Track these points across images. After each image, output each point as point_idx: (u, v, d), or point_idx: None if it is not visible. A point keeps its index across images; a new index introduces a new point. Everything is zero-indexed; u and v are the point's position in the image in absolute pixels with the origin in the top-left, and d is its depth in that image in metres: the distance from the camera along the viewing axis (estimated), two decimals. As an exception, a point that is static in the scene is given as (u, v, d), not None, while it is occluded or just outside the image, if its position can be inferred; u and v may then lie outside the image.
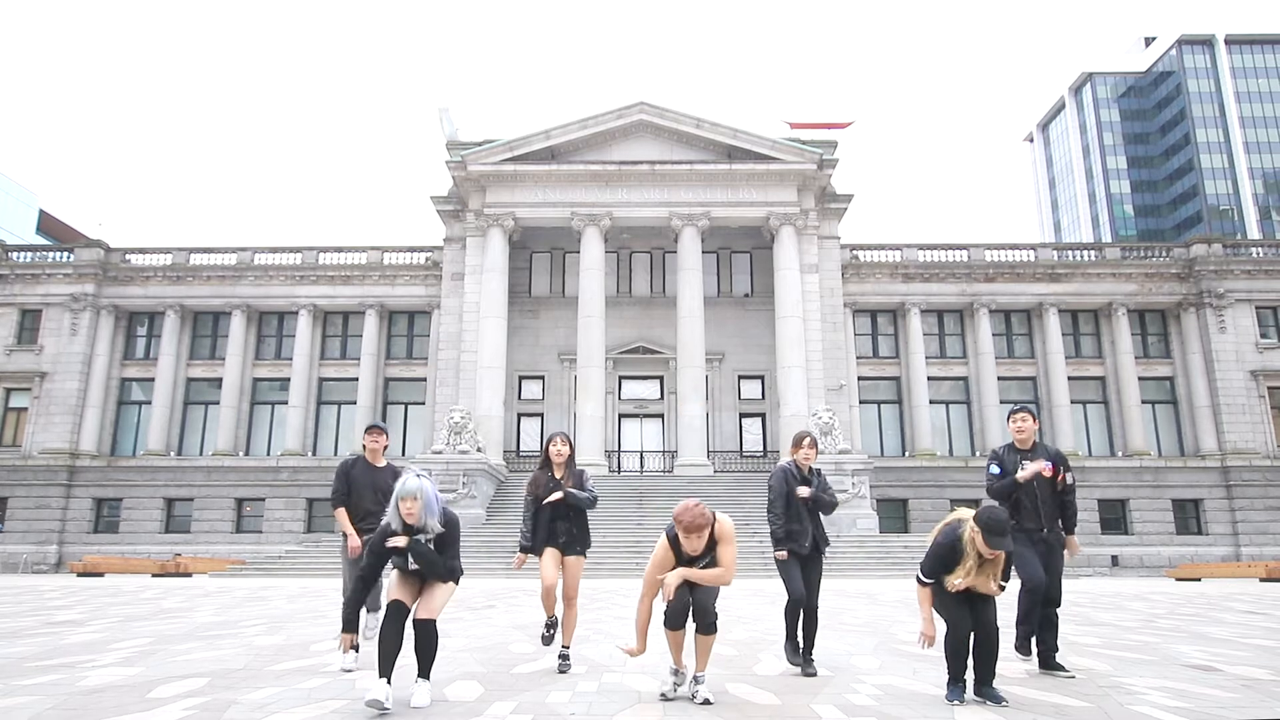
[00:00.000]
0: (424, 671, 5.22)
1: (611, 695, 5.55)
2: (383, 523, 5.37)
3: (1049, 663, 6.55)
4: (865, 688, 5.90)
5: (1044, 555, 6.66)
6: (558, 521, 6.72)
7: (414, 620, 5.19)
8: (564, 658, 6.65)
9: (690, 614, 5.35)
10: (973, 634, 5.36)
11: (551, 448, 6.84)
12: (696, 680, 5.37)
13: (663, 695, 5.41)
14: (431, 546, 5.31)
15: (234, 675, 6.37)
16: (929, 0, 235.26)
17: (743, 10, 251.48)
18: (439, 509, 5.29)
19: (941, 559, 5.40)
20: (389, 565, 6.86)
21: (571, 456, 6.94)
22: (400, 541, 5.24)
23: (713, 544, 5.46)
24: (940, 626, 5.44)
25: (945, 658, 5.43)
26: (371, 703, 4.89)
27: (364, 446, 7.53)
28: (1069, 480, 6.78)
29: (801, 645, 6.56)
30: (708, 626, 5.32)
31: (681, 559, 5.45)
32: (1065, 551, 6.83)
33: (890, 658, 7.48)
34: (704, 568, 5.44)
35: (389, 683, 5.02)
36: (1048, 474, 6.68)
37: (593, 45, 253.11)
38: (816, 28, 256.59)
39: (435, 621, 5.23)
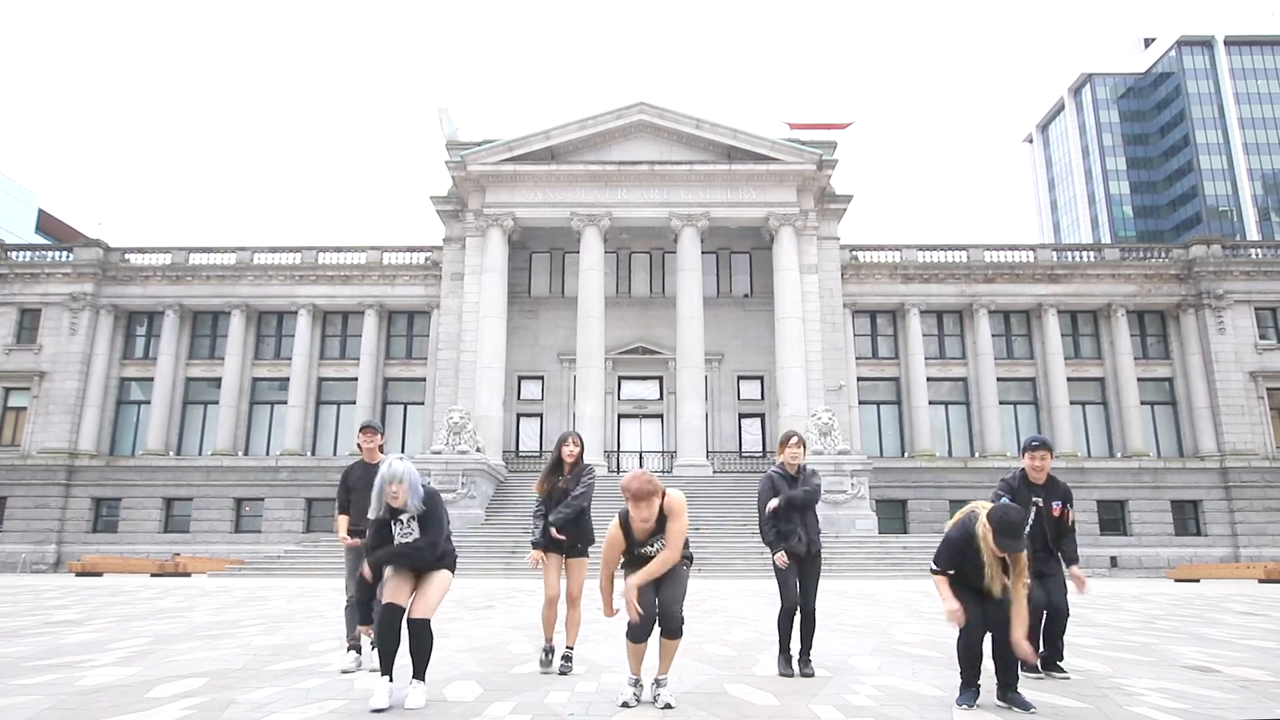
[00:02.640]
0: (419, 672, 5.23)
1: (610, 696, 5.55)
2: (370, 515, 5.39)
3: (1050, 665, 6.55)
4: (864, 688, 5.90)
5: (1044, 581, 6.62)
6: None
7: (408, 620, 5.19)
8: (566, 659, 6.64)
9: (655, 618, 5.19)
10: (989, 636, 5.24)
11: (564, 448, 6.75)
12: (658, 683, 5.26)
13: (624, 704, 5.22)
14: (415, 530, 5.30)
15: (233, 675, 6.37)
16: (929, 0, 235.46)
17: (743, 10, 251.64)
18: (421, 489, 5.34)
19: (955, 551, 5.28)
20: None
21: (581, 455, 6.86)
22: (366, 572, 5.41)
23: (663, 520, 5.28)
24: (952, 630, 5.38)
25: (958, 660, 5.34)
26: (376, 710, 4.97)
27: (359, 446, 7.49)
28: (1072, 518, 6.77)
29: (799, 646, 6.55)
30: (673, 631, 5.20)
31: (633, 540, 5.32)
32: (1072, 583, 6.72)
33: (889, 658, 7.48)
34: (655, 548, 5.30)
35: (391, 679, 5.12)
36: (1055, 513, 6.66)
37: (593, 45, 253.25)
38: (816, 28, 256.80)
39: (430, 621, 5.23)
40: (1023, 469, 6.75)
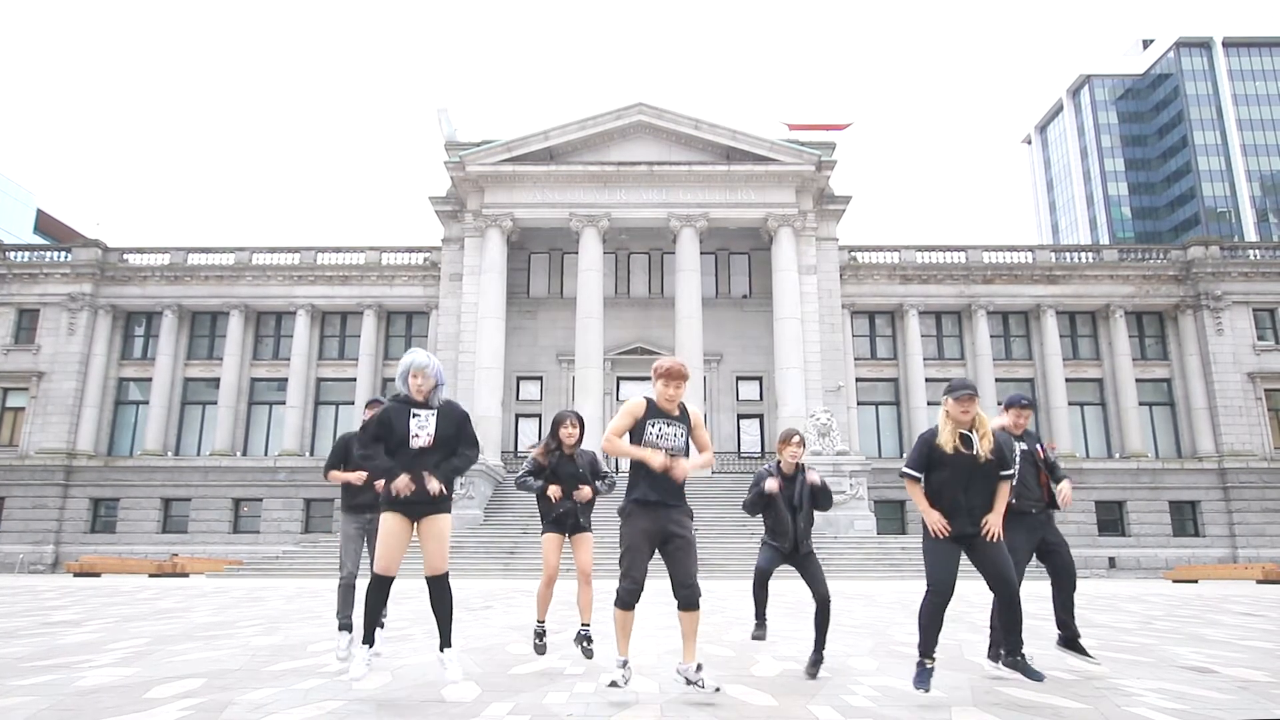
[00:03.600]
0: (447, 638, 5.17)
1: (609, 696, 5.54)
2: (394, 394, 5.34)
3: (1074, 644, 6.47)
4: (863, 689, 5.90)
5: (1042, 537, 6.54)
6: (565, 501, 6.68)
7: (427, 579, 5.14)
8: (588, 640, 6.64)
9: (672, 587, 5.08)
10: (995, 588, 5.19)
11: (562, 430, 6.66)
12: (699, 668, 5.24)
13: (613, 684, 5.18)
14: (431, 425, 5.17)
15: (231, 676, 6.36)
16: (929, 1, 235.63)
17: (742, 11, 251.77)
18: (444, 391, 5.33)
19: (925, 444, 5.34)
20: (367, 522, 6.90)
21: (580, 439, 6.79)
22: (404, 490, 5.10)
23: (685, 416, 5.27)
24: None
25: (918, 626, 5.29)
26: (356, 680, 5.06)
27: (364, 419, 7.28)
28: (1053, 455, 6.73)
29: (814, 639, 6.53)
30: (690, 600, 5.02)
31: (653, 409, 5.17)
32: (1061, 504, 6.57)
33: (888, 659, 7.48)
34: (673, 430, 5.19)
35: (371, 645, 5.24)
36: (1042, 453, 6.59)
37: (593, 45, 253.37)
38: (816, 28, 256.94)
39: (447, 574, 5.18)
40: (1002, 426, 6.77)
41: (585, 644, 6.64)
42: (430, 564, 5.18)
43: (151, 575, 27.69)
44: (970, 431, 5.29)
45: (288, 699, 5.43)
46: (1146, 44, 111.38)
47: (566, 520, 6.63)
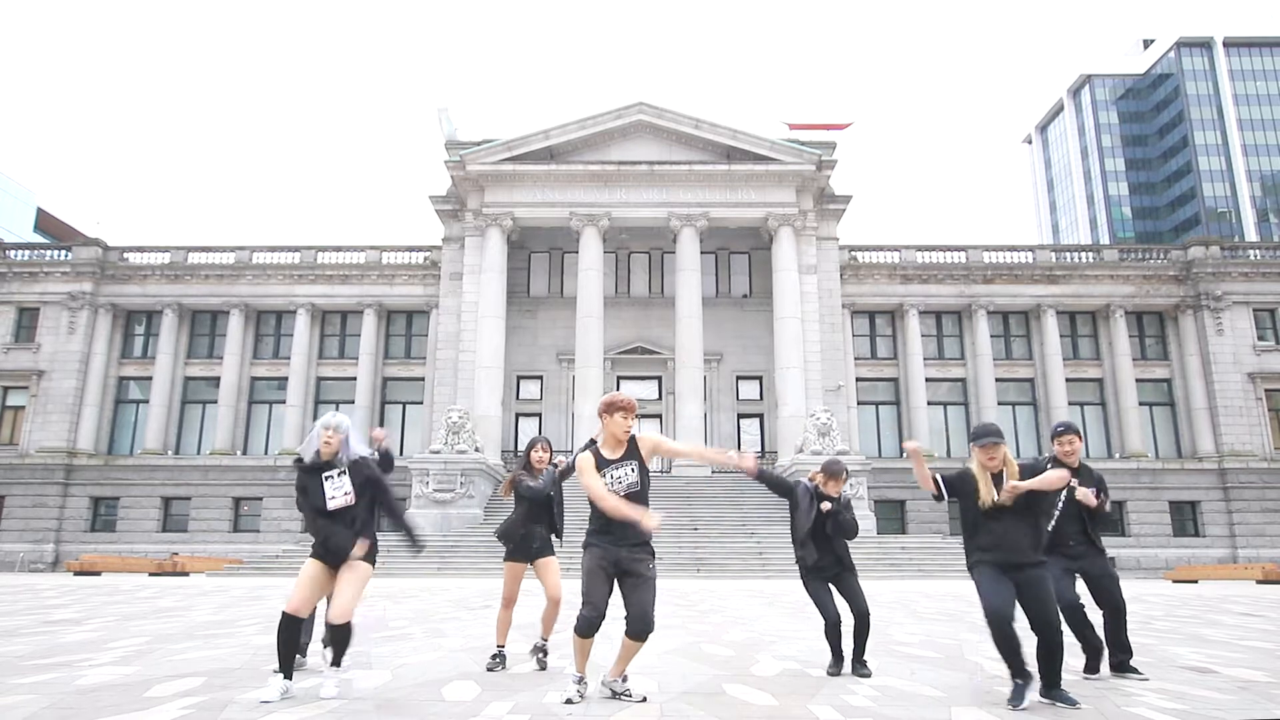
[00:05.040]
0: (337, 659, 5.41)
1: (608, 695, 5.54)
2: (307, 456, 5.42)
3: (1124, 667, 6.42)
4: (863, 689, 5.91)
5: (1083, 568, 6.48)
6: (533, 525, 6.73)
7: (327, 624, 5.32)
8: (543, 651, 6.69)
9: (626, 618, 5.12)
10: (1037, 630, 5.22)
11: (534, 453, 6.86)
12: (625, 679, 5.37)
13: (568, 700, 5.18)
14: (347, 484, 5.32)
15: (231, 674, 6.37)
16: (929, 1, 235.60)
17: (742, 10, 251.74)
18: (356, 451, 5.44)
19: (960, 480, 5.62)
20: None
21: (550, 461, 6.97)
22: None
23: (633, 451, 5.29)
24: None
25: (1000, 655, 5.23)
26: (265, 702, 5.10)
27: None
28: (1108, 507, 6.64)
29: (853, 648, 6.56)
30: (640, 633, 5.05)
31: (601, 459, 5.26)
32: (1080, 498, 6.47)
33: (888, 659, 7.49)
34: (624, 472, 5.26)
35: (289, 679, 5.29)
36: (1091, 502, 6.43)
37: (593, 45, 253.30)
38: (816, 28, 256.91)
39: (350, 622, 5.34)
40: (1054, 455, 6.69)
41: (541, 655, 6.69)
42: (336, 608, 5.23)
43: (152, 574, 27.66)
44: (999, 474, 5.45)
45: (287, 698, 5.43)
46: (1147, 44, 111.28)
47: (531, 544, 6.71)
